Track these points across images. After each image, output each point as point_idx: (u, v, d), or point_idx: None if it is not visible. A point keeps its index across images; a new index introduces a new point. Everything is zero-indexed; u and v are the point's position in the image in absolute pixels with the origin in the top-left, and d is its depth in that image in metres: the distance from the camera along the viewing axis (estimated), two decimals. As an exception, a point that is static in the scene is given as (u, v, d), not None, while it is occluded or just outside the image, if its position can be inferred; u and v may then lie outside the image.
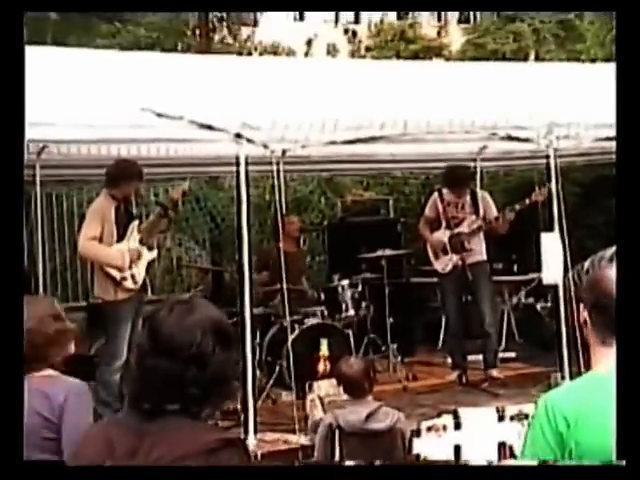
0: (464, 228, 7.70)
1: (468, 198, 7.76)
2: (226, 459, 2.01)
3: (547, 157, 6.59)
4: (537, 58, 13.42)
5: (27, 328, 3.09)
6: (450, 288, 7.85)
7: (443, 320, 8.56)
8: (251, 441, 5.67)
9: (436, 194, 7.98)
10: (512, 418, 6.12)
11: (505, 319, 9.07)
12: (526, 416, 5.60)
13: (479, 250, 7.74)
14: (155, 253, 6.85)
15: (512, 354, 8.53)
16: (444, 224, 7.82)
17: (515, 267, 9.35)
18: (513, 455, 5.92)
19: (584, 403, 2.20)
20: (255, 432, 5.73)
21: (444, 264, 7.79)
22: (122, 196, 6.51)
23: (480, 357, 7.84)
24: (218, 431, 2.19)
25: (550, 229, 6.58)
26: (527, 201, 7.25)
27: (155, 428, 2.05)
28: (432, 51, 16.31)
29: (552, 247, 6.42)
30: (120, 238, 6.46)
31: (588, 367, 2.29)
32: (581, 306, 2.28)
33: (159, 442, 2.03)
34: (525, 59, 13.42)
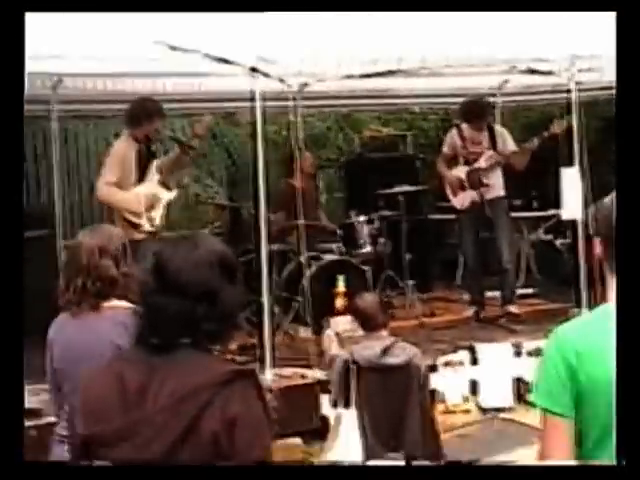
0: (481, 163, 7.61)
1: (486, 133, 7.66)
2: (239, 390, 2.00)
3: (569, 91, 6.47)
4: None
5: (105, 265, 3.18)
6: (468, 224, 7.80)
7: (460, 256, 8.52)
8: (268, 376, 5.71)
9: (454, 130, 7.89)
10: (529, 354, 6.15)
11: (524, 255, 9.03)
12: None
13: (497, 185, 7.66)
14: (174, 193, 6.77)
15: (530, 290, 8.51)
16: (462, 160, 7.74)
17: (534, 203, 9.27)
18: (529, 390, 5.95)
19: (595, 336, 2.19)
20: (272, 367, 5.77)
21: (462, 200, 7.73)
22: (144, 135, 6.40)
23: (497, 293, 7.82)
24: (229, 363, 2.18)
25: (570, 164, 6.50)
26: (546, 134, 7.16)
27: (165, 362, 2.04)
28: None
29: (572, 183, 6.35)
30: (141, 179, 6.40)
31: (605, 302, 2.27)
32: (597, 239, 2.26)
33: (170, 376, 2.02)
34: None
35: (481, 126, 7.64)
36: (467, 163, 7.70)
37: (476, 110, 7.65)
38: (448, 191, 7.85)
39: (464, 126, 7.75)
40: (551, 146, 7.38)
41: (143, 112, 6.33)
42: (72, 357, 3.12)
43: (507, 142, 7.64)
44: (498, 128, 7.91)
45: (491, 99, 8.80)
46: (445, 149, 7.91)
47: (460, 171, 7.71)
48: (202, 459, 1.97)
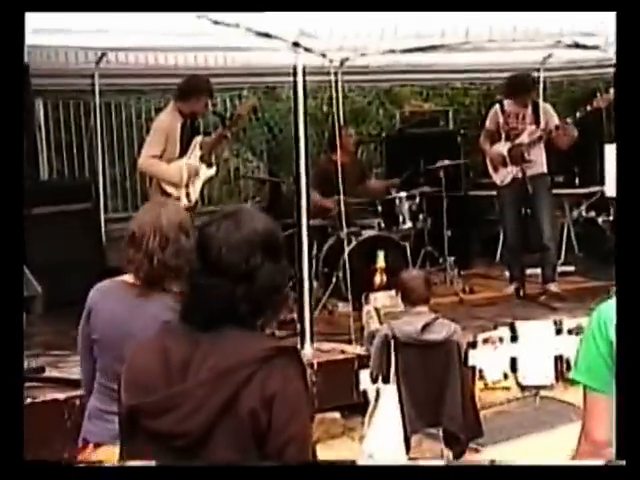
0: (524, 139, 7.53)
1: (530, 109, 7.57)
2: (279, 368, 2.00)
3: (615, 65, 6.36)
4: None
5: (179, 221, 3.08)
6: (509, 201, 7.73)
7: (501, 233, 8.47)
8: (307, 350, 5.74)
9: (497, 106, 7.80)
10: (570, 331, 6.11)
11: (565, 233, 8.94)
12: (584, 329, 5.56)
13: (540, 162, 7.57)
14: (214, 170, 6.80)
15: (571, 268, 8.43)
16: (504, 136, 7.66)
17: (577, 180, 9.17)
18: (570, 368, 5.93)
19: None
20: (312, 342, 5.79)
21: (503, 176, 7.66)
22: (190, 111, 6.40)
23: (538, 270, 7.76)
24: (272, 339, 2.18)
25: (615, 140, 6.40)
26: (588, 107, 7.07)
27: (209, 337, 2.05)
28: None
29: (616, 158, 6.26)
30: (182, 153, 6.42)
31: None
32: None
33: (213, 351, 2.03)
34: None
35: (525, 102, 7.54)
36: (509, 139, 7.62)
37: (520, 85, 7.55)
38: (489, 167, 7.79)
39: (507, 102, 7.66)
40: (594, 122, 7.28)
41: (194, 88, 6.34)
42: (117, 331, 3.04)
43: (551, 118, 7.54)
44: (542, 104, 7.80)
45: (535, 74, 8.68)
46: (488, 125, 7.83)
47: (502, 147, 7.64)
48: (240, 435, 1.98)
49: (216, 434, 1.98)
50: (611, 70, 6.53)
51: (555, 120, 7.50)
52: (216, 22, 5.35)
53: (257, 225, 2.11)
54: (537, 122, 7.52)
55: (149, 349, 2.13)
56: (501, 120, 7.66)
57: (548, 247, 7.57)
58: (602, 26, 6.23)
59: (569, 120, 7.32)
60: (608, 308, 2.28)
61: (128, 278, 3.16)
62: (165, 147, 6.26)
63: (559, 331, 6.20)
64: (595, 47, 6.43)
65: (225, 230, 2.08)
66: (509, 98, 7.66)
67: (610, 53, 6.33)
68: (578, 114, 7.23)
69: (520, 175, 7.49)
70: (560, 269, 8.06)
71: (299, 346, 5.71)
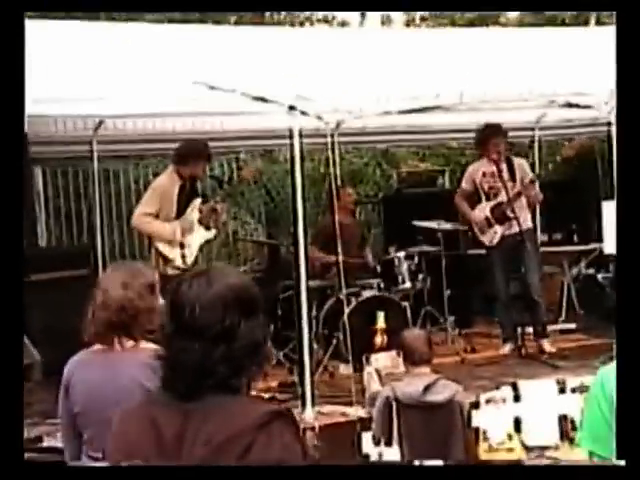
0: (503, 197, 7.48)
1: (504, 166, 7.50)
2: (277, 433, 1.94)
3: (609, 124, 6.43)
4: (598, 22, 13.07)
5: (128, 298, 3.14)
6: (498, 259, 7.66)
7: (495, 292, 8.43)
8: (308, 414, 5.67)
9: (472, 166, 7.77)
10: (573, 390, 6.04)
11: (565, 290, 8.92)
12: (588, 388, 5.50)
13: (524, 217, 7.52)
14: (212, 233, 6.82)
15: (572, 325, 8.38)
16: (484, 197, 7.63)
17: (575, 237, 9.18)
18: (574, 428, 5.85)
19: None
20: (312, 405, 5.73)
21: (491, 237, 7.60)
22: (188, 175, 6.49)
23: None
24: (264, 404, 2.09)
25: (612, 197, 6.43)
26: (558, 158, 7.11)
27: (197, 408, 1.97)
28: (488, 19, 15.97)
29: (614, 216, 6.27)
30: (179, 214, 6.46)
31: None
32: None
33: (206, 422, 1.95)
34: (585, 24, 13.09)
35: (498, 158, 7.42)
36: (488, 199, 7.59)
37: (488, 138, 7.49)
38: (476, 230, 7.73)
39: (483, 160, 7.63)
40: (591, 178, 7.32)
41: (192, 153, 6.44)
42: (98, 400, 3.02)
43: (525, 173, 7.52)
44: (516, 159, 7.76)
45: (529, 133, 8.74)
46: (464, 185, 7.79)
47: (484, 208, 7.59)
48: None
49: None
50: (604, 128, 6.59)
51: (529, 175, 7.50)
52: (212, 87, 5.41)
53: (230, 280, 2.04)
54: (513, 179, 7.50)
55: (137, 419, 2.05)
56: (478, 180, 7.61)
57: (537, 302, 7.49)
58: (595, 86, 6.31)
59: (533, 176, 7.34)
60: (612, 371, 2.26)
61: (98, 346, 3.16)
62: (160, 207, 6.32)
63: (562, 390, 6.13)
64: (588, 106, 6.49)
65: (197, 288, 2.00)
66: (481, 154, 7.62)
67: (603, 112, 6.39)
68: (550, 166, 7.27)
69: (507, 233, 7.46)
70: (561, 327, 8.00)
71: (300, 409, 5.65)
